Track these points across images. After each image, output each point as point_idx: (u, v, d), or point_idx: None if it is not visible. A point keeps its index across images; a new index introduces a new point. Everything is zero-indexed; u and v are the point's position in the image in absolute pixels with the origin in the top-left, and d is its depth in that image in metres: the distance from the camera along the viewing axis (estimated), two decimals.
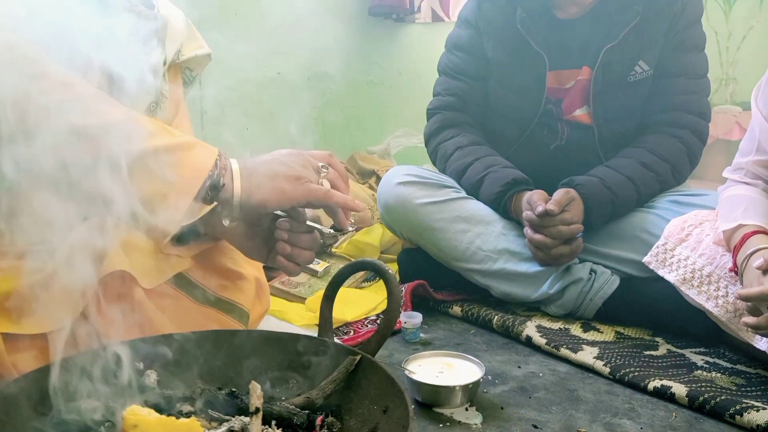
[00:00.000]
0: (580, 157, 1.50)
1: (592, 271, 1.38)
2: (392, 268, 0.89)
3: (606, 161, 1.47)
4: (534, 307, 1.42)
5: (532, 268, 1.39)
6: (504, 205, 1.43)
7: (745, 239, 1.00)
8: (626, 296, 1.34)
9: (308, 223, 0.90)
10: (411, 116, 2.19)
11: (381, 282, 1.58)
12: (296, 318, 1.35)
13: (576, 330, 1.32)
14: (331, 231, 0.90)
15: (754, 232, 1.01)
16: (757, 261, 0.94)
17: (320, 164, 0.88)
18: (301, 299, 1.45)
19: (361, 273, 1.60)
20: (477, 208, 1.47)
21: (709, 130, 1.49)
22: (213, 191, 0.82)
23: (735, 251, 1.02)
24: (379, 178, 1.97)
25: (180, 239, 0.95)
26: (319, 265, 1.55)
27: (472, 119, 1.59)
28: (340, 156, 2.12)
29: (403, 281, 1.50)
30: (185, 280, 0.97)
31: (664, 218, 1.34)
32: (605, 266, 1.40)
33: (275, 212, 0.91)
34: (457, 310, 1.42)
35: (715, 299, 1.04)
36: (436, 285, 1.48)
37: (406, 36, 2.39)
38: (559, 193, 1.35)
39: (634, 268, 1.37)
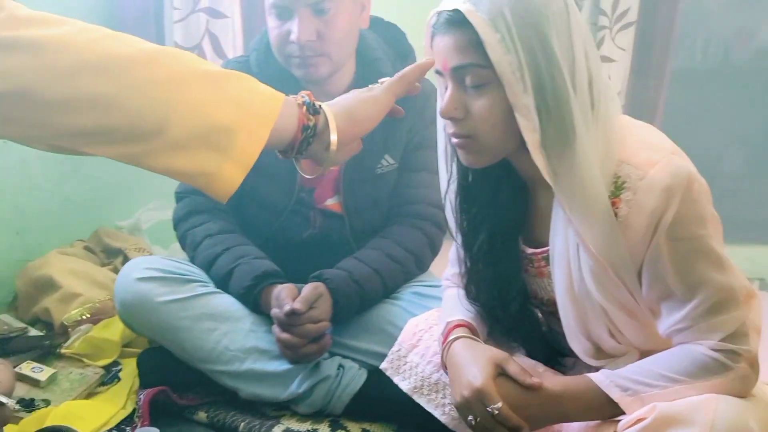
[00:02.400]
0: (332, 245, 1.51)
1: (340, 366, 1.38)
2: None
3: (357, 249, 1.49)
4: (284, 406, 1.38)
5: (282, 366, 1.35)
6: (254, 300, 1.38)
7: (449, 333, 1.06)
8: (373, 391, 1.35)
9: None
10: (165, 187, 2.06)
11: (119, 385, 1.44)
12: None
13: (324, 430, 1.30)
14: (16, 405, 0.78)
15: (457, 326, 1.06)
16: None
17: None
18: (16, 419, 1.25)
19: (95, 375, 1.43)
20: (225, 303, 1.40)
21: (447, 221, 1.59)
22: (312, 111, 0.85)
23: (442, 345, 1.07)
24: (126, 258, 1.81)
25: None
26: (42, 373, 1.36)
27: (224, 205, 1.53)
28: (81, 234, 1.91)
29: (144, 386, 1.38)
30: None
31: (408, 311, 1.38)
32: (354, 359, 1.41)
33: None
34: (202, 415, 1.33)
35: (442, 407, 1.08)
36: (182, 387, 1.38)
37: None
38: (307, 289, 1.34)
39: (380, 360, 1.39)
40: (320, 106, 0.89)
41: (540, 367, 1.06)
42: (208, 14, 1.92)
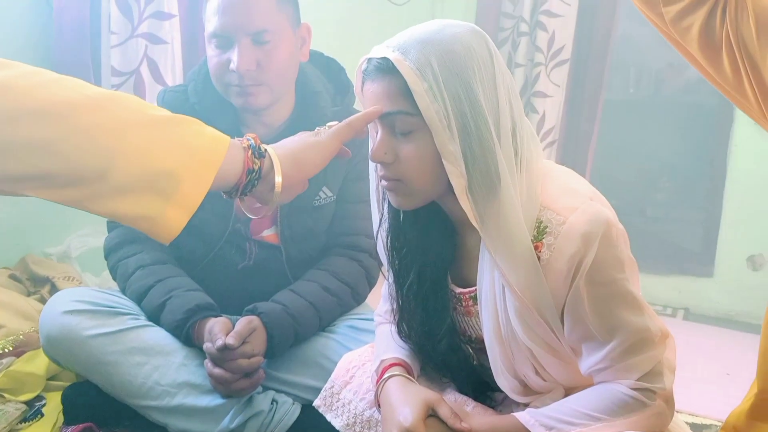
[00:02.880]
0: (268, 276, 1.50)
1: (274, 400, 1.37)
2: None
3: (293, 280, 1.49)
4: None
5: (214, 401, 1.33)
6: (186, 334, 1.36)
7: (383, 372, 1.07)
8: (306, 425, 1.35)
9: None
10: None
11: (42, 421, 1.39)
12: None
13: None
14: None
15: (392, 365, 1.08)
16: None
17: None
18: None
19: (16, 411, 1.38)
20: (156, 336, 1.37)
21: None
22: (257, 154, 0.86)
23: (376, 382, 1.08)
24: (54, 287, 1.75)
25: None
26: None
27: None
28: (6, 261, 1.84)
29: (68, 422, 1.33)
30: None
31: (343, 344, 1.39)
32: (288, 393, 1.40)
33: None
34: None
35: None
36: (109, 423, 1.34)
37: None
38: (241, 324, 1.32)
39: (315, 394, 1.38)
40: (266, 149, 0.89)
41: (470, 404, 1.08)
42: (147, 39, 1.89)
